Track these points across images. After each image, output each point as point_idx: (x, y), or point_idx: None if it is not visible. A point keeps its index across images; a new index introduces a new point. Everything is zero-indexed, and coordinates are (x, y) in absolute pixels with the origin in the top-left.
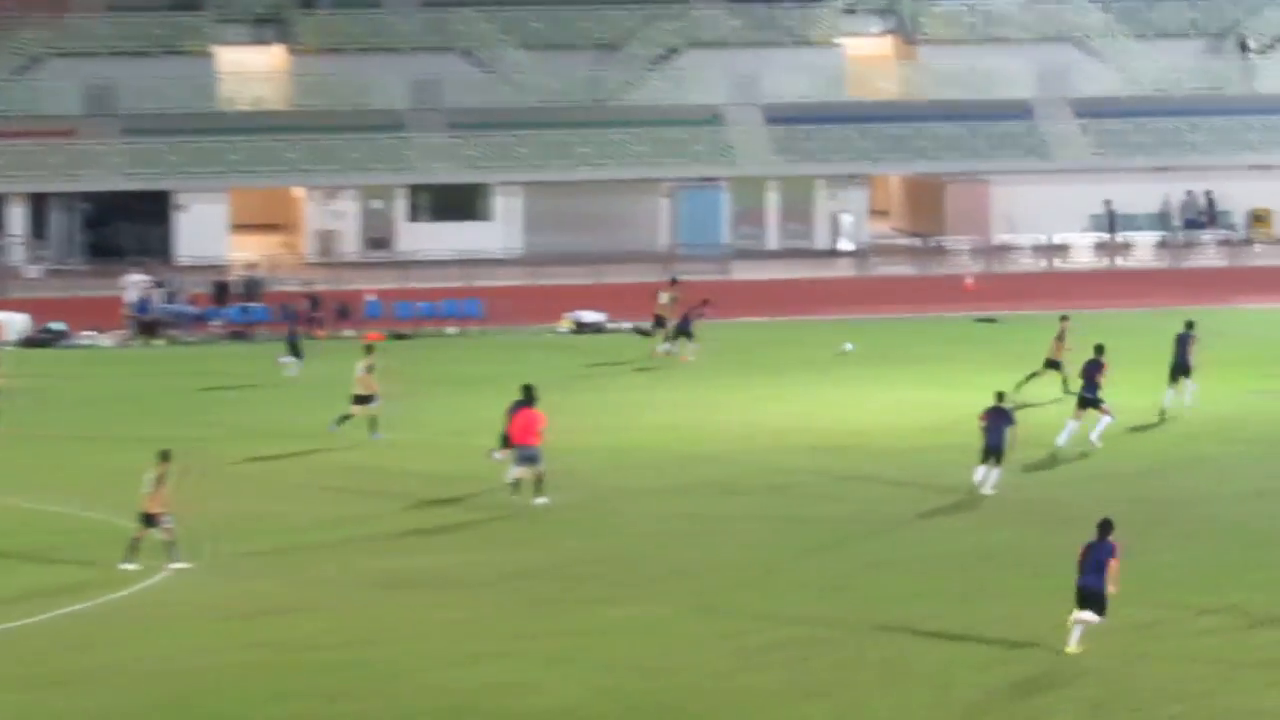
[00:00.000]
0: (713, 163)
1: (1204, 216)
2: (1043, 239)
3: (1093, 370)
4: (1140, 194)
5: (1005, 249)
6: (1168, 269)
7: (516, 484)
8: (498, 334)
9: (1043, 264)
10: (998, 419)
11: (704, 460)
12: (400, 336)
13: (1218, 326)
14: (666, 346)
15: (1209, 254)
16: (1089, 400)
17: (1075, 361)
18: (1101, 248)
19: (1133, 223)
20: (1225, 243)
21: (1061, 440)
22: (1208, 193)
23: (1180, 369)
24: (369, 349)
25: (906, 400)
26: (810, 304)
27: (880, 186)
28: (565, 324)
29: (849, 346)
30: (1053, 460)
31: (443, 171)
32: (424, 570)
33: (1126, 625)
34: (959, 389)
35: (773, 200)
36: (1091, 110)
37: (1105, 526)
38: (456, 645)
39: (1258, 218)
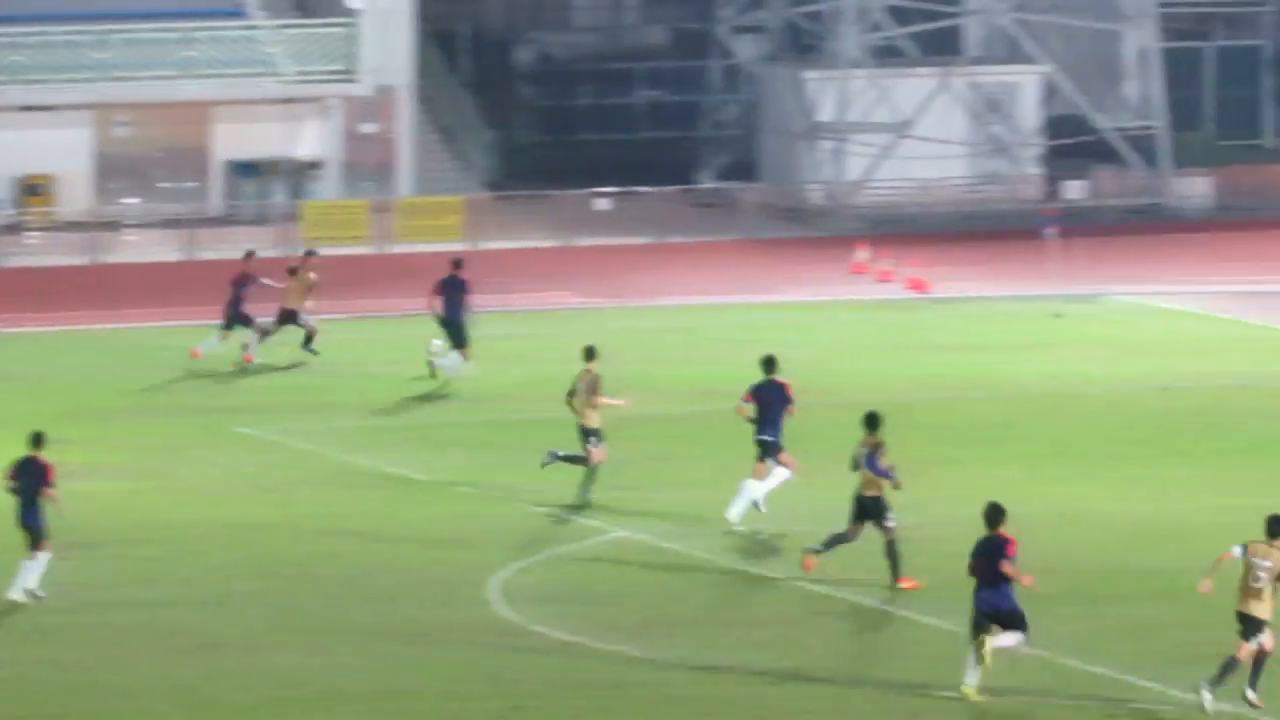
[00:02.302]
0: None
1: None
2: None
3: (776, 398)
4: None
5: None
6: None
7: None
8: None
9: None
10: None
11: None
12: None
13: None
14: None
15: None
16: (769, 444)
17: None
18: None
19: None
20: None
21: (735, 515)
22: None
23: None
24: None
25: None
26: None
27: None
28: None
29: None
30: None
31: None
32: None
33: None
34: None
35: None
36: None
37: (995, 513)
38: None
39: (31, 190)
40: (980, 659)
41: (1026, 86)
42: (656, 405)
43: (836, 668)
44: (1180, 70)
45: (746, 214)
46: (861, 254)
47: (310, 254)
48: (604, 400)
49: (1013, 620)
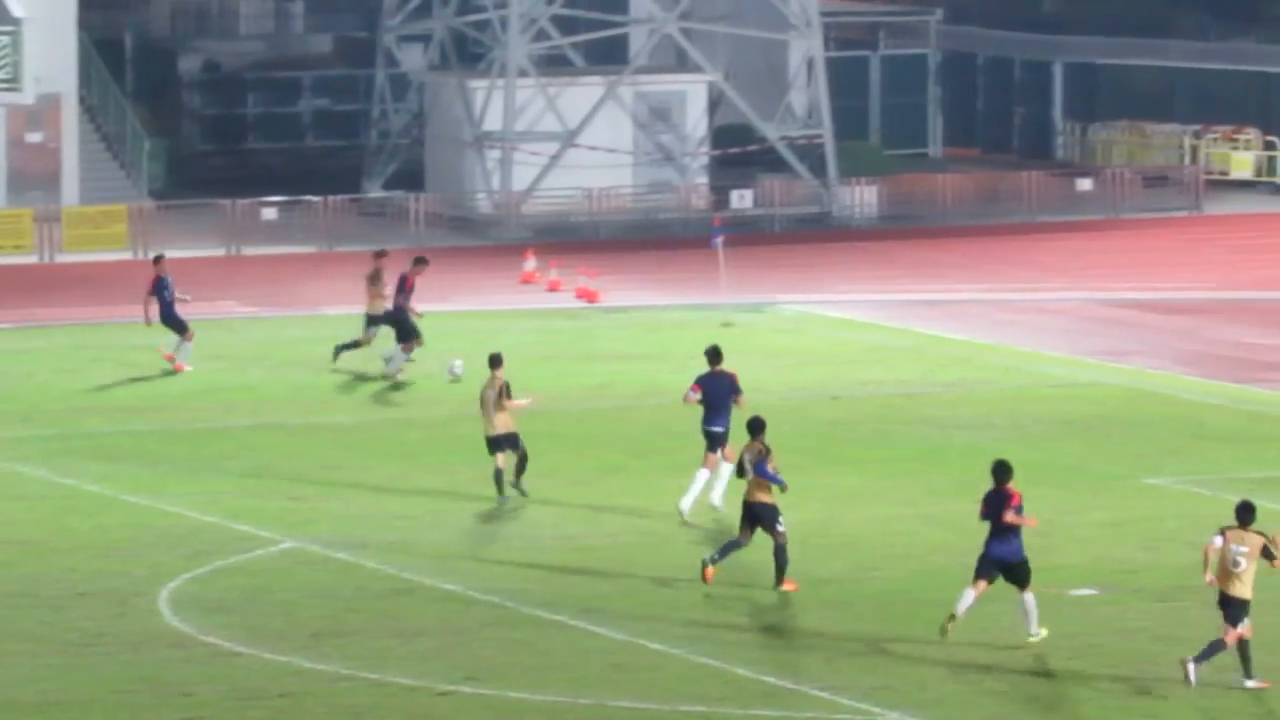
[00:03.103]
0: None
1: None
2: None
3: (724, 388)
4: None
5: None
6: None
7: None
8: None
9: None
10: None
11: None
12: None
13: None
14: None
15: None
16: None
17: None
18: None
19: None
20: None
21: (686, 504)
22: None
23: None
24: None
25: None
26: None
27: None
28: None
29: None
30: None
31: None
32: None
33: None
34: None
35: None
36: None
37: (1003, 469)
38: None
39: None
40: (942, 631)
41: (693, 95)
42: (326, 415)
43: (509, 678)
44: (847, 79)
45: (415, 223)
46: (530, 263)
47: (381, 254)
48: (515, 403)
49: (1019, 572)
